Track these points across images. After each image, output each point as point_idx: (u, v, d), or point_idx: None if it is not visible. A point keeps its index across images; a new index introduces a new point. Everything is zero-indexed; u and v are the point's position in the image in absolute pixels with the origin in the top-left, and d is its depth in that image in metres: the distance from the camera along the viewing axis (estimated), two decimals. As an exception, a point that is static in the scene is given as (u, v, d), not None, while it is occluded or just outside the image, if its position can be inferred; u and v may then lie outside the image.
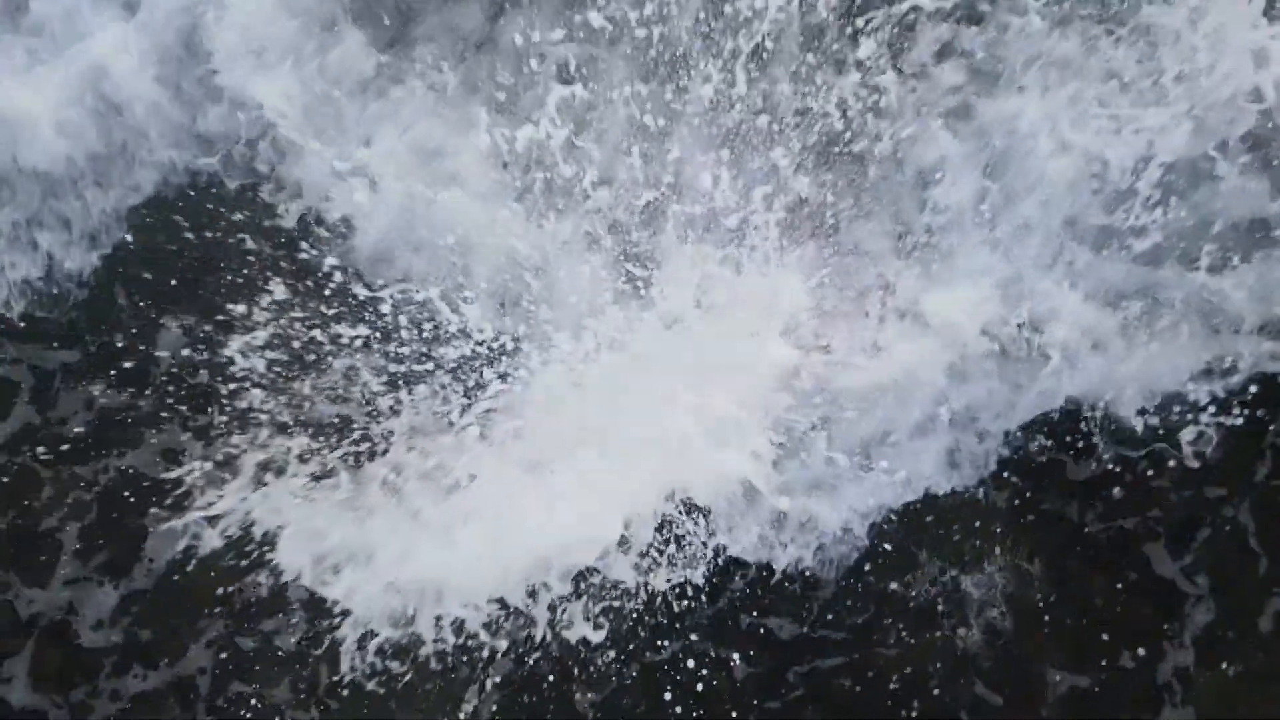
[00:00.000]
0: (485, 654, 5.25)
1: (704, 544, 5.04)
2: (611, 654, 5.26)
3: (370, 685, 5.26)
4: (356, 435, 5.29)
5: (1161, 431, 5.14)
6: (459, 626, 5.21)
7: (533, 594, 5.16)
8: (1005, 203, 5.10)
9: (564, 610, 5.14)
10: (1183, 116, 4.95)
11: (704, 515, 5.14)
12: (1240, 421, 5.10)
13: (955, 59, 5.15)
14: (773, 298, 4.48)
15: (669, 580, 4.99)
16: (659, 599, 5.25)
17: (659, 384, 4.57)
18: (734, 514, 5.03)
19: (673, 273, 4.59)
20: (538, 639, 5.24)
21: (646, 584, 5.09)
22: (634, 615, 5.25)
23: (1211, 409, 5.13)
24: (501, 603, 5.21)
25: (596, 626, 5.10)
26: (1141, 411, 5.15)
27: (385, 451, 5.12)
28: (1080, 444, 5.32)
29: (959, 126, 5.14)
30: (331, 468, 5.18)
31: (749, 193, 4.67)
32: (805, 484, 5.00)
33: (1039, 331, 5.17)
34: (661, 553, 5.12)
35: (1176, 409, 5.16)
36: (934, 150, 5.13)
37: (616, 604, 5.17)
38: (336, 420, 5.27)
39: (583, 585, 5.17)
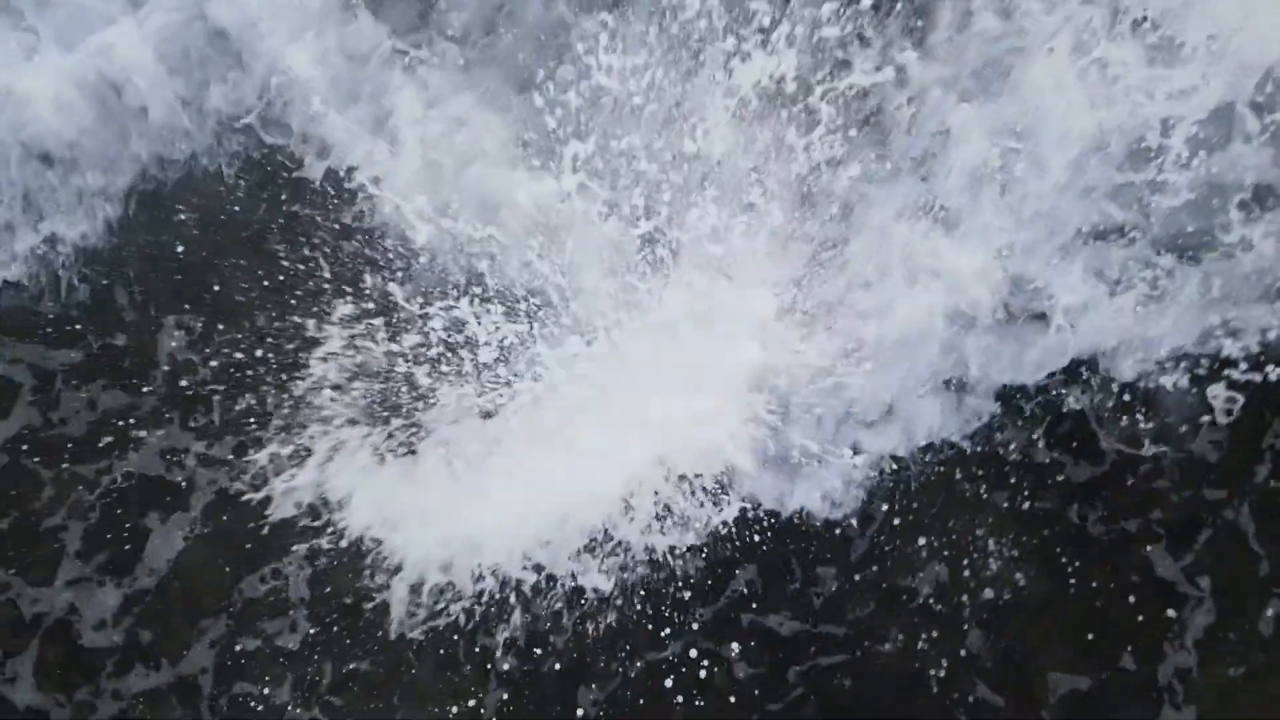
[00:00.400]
0: (493, 647, 5.30)
1: (700, 506, 5.34)
2: (616, 651, 5.30)
3: (376, 681, 5.30)
4: (406, 423, 5.41)
5: (1192, 391, 5.22)
6: (478, 600, 5.30)
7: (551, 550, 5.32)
8: (1027, 165, 5.12)
9: (580, 564, 5.31)
10: (1212, 78, 4.97)
11: (698, 486, 5.36)
12: (1248, 378, 5.16)
13: (975, 31, 5.17)
14: (758, 299, 5.24)
15: (670, 546, 5.27)
16: (666, 595, 5.31)
17: (655, 379, 5.26)
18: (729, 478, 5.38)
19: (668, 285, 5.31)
20: (546, 630, 5.31)
21: (648, 546, 5.24)
22: (638, 609, 5.30)
23: (1225, 371, 5.21)
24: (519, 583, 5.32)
25: (606, 575, 5.32)
26: (1158, 371, 5.22)
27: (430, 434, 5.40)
28: (1083, 445, 5.33)
29: (980, 92, 5.16)
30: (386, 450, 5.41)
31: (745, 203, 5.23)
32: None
33: (1049, 297, 5.19)
34: (661, 520, 5.32)
35: (1189, 370, 5.22)
36: (955, 116, 5.16)
37: (624, 568, 5.32)
38: (387, 412, 5.41)
39: (595, 546, 5.33)
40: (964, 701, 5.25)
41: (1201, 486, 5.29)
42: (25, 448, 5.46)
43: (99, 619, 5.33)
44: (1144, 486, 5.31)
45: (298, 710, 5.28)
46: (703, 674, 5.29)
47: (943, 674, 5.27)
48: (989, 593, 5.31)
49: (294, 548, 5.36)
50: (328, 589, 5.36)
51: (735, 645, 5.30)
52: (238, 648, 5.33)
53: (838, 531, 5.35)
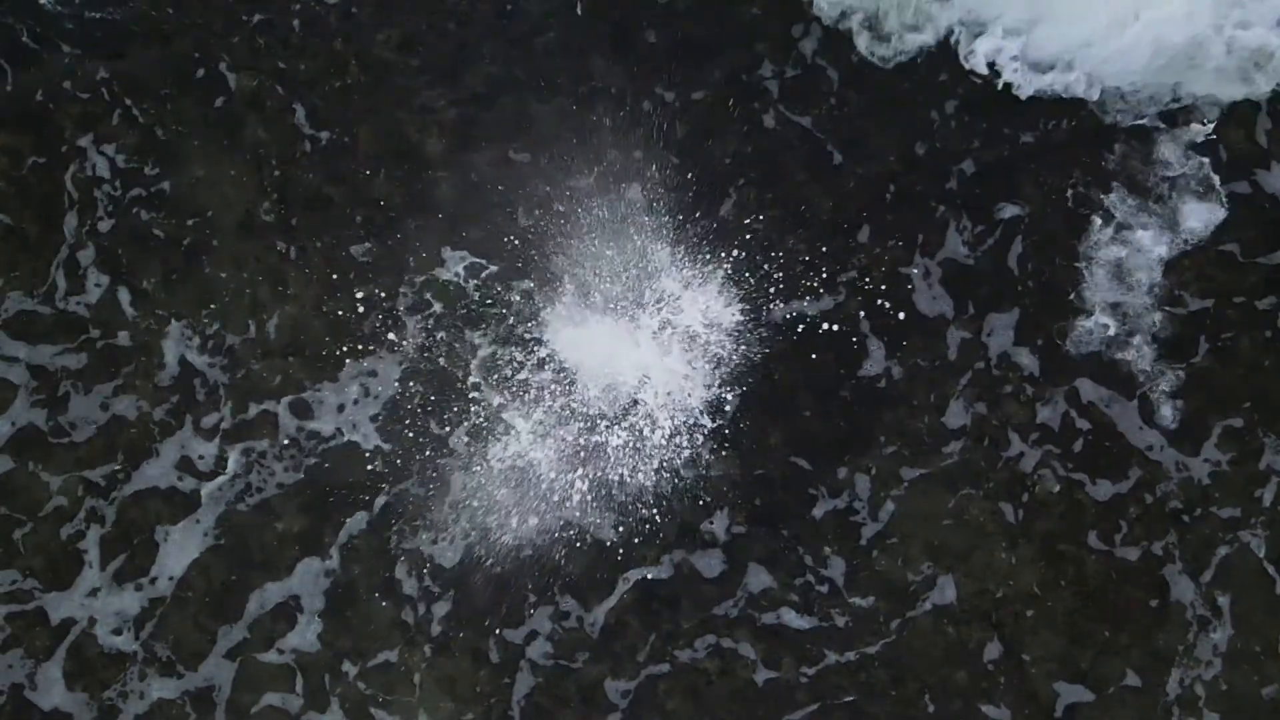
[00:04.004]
0: (522, 641, 5.36)
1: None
2: (642, 648, 5.36)
3: (398, 677, 5.34)
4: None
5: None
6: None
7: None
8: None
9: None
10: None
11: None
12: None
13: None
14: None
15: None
16: (693, 590, 5.37)
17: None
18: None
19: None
20: (574, 626, 5.36)
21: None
22: (665, 605, 5.36)
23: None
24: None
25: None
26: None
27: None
28: (1099, 462, 5.37)
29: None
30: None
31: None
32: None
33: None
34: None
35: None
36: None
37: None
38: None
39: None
40: (970, 712, 5.30)
41: (1210, 508, 5.31)
42: (36, 453, 5.47)
43: (118, 625, 5.38)
44: (1157, 510, 5.33)
45: (312, 713, 5.34)
46: (722, 673, 5.34)
47: (951, 688, 5.31)
48: (998, 604, 5.33)
49: (304, 557, 5.40)
50: (341, 593, 5.40)
51: (750, 644, 5.35)
52: (253, 654, 5.38)
53: (846, 521, 5.40)
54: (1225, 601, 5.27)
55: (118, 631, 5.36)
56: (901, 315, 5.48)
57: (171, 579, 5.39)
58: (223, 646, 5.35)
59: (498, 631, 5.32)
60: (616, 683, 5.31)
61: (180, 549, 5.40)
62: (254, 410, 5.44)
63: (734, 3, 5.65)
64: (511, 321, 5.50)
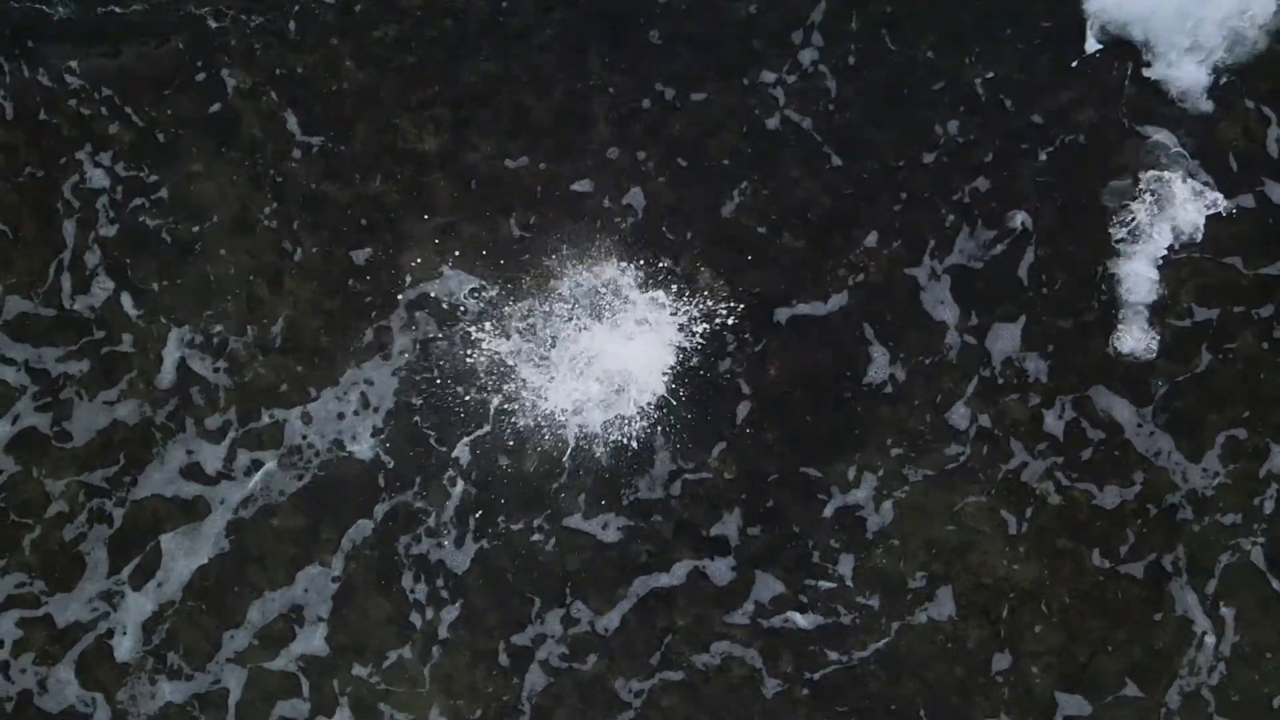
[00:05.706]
0: (532, 642, 5.40)
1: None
2: (654, 651, 5.40)
3: (407, 686, 5.39)
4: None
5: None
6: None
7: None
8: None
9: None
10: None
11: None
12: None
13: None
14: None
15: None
16: (704, 593, 5.39)
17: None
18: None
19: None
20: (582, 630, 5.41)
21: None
22: (677, 614, 5.40)
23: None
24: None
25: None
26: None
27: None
28: (1106, 472, 5.36)
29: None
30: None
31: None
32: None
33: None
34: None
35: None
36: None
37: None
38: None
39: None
40: (969, 711, 5.35)
41: (1214, 514, 5.31)
42: (41, 458, 5.49)
43: (127, 628, 5.43)
44: (1162, 520, 5.33)
45: (321, 716, 5.39)
46: (732, 677, 5.38)
47: (948, 683, 5.35)
48: (1002, 620, 5.35)
49: (310, 561, 5.43)
50: (348, 598, 5.43)
51: (761, 651, 5.38)
52: (260, 660, 5.42)
53: (852, 520, 5.41)
54: (1229, 610, 5.29)
55: (125, 636, 5.41)
56: (906, 318, 5.45)
57: (178, 584, 5.43)
58: (229, 651, 5.40)
59: (507, 632, 5.38)
60: (627, 682, 5.36)
61: (186, 554, 5.44)
62: (255, 415, 5.46)
63: (734, 1, 5.54)
64: (510, 324, 5.48)
